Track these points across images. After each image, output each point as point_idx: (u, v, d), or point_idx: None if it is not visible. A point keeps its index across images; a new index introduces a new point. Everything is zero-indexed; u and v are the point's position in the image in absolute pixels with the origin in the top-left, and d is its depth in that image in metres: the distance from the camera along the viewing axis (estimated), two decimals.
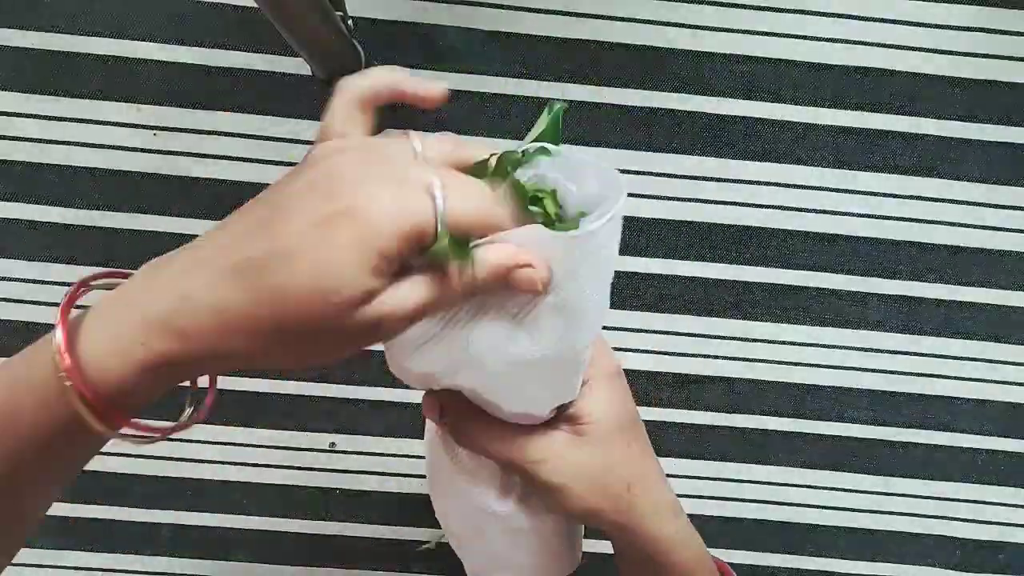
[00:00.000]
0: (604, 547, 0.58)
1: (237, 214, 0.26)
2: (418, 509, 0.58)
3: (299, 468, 0.58)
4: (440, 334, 0.29)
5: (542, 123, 0.31)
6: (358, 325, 0.25)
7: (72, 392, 0.25)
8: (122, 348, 0.25)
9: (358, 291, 0.24)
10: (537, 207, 0.29)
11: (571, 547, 0.42)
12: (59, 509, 0.57)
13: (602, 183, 0.29)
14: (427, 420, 0.38)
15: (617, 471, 0.36)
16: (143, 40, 0.54)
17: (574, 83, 0.55)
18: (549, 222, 0.28)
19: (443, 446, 0.38)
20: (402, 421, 0.58)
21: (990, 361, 0.58)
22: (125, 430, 0.27)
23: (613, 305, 0.57)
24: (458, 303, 0.27)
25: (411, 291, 0.26)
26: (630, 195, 0.57)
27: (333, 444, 0.58)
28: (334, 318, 0.24)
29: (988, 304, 0.57)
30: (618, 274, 0.56)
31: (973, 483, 0.59)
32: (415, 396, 0.57)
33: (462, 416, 0.35)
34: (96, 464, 0.57)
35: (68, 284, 0.59)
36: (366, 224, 0.24)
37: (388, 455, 0.58)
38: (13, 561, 0.59)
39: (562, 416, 0.35)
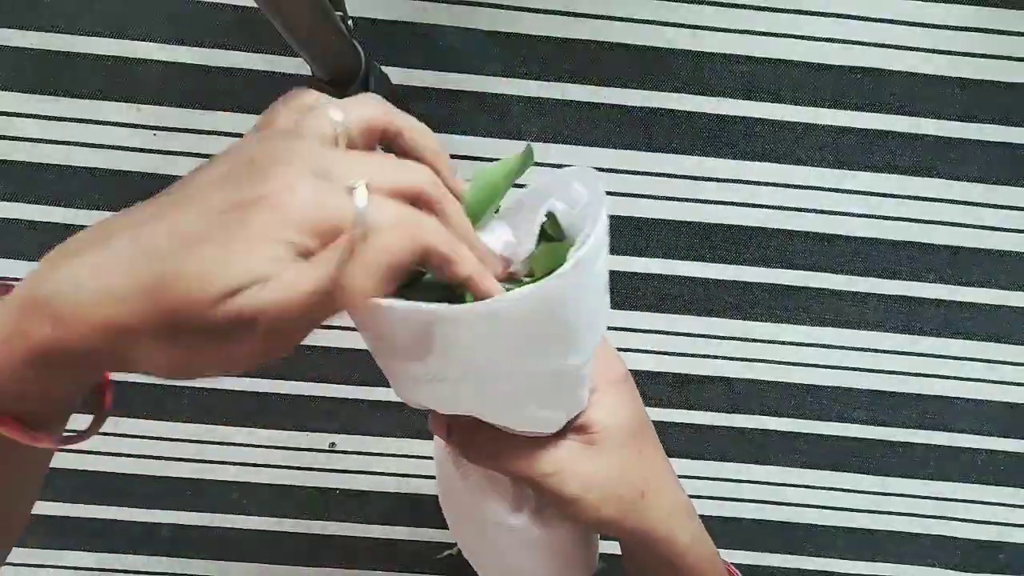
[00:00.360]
0: (607, 547, 0.58)
1: (151, 199, 0.24)
2: (417, 509, 0.58)
3: (299, 468, 0.58)
4: (427, 382, 0.28)
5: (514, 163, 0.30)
6: (224, 319, 0.22)
7: None
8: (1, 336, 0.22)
9: (245, 279, 0.22)
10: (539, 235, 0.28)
11: (587, 552, 0.42)
12: (59, 509, 0.57)
13: (586, 185, 0.28)
14: (435, 436, 0.38)
15: (629, 478, 0.35)
16: (143, 40, 0.54)
17: (574, 83, 0.55)
18: (552, 245, 0.28)
19: (453, 462, 0.38)
20: (402, 421, 0.58)
21: (989, 361, 0.58)
22: (11, 432, 0.24)
23: (613, 305, 0.57)
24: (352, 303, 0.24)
25: (298, 276, 0.22)
26: (631, 195, 0.57)
27: (333, 444, 0.58)
28: (200, 310, 0.22)
29: (988, 304, 0.57)
30: (618, 274, 0.56)
31: (972, 483, 0.59)
32: None
33: (470, 432, 0.34)
34: (96, 464, 0.57)
35: None
36: (281, 213, 0.22)
37: (388, 455, 0.58)
38: (13, 561, 0.59)
39: (572, 426, 0.34)
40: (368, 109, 0.27)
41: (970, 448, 0.59)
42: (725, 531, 0.59)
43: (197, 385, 0.57)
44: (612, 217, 0.56)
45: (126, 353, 0.23)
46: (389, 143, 0.28)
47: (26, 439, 0.24)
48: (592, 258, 0.26)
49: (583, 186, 0.29)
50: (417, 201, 0.25)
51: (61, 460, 0.57)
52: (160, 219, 0.23)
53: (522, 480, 0.34)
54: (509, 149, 0.55)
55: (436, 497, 0.44)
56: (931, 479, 0.59)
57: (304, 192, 0.22)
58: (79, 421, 0.27)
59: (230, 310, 0.22)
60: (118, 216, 0.24)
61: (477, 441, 0.34)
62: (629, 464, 0.35)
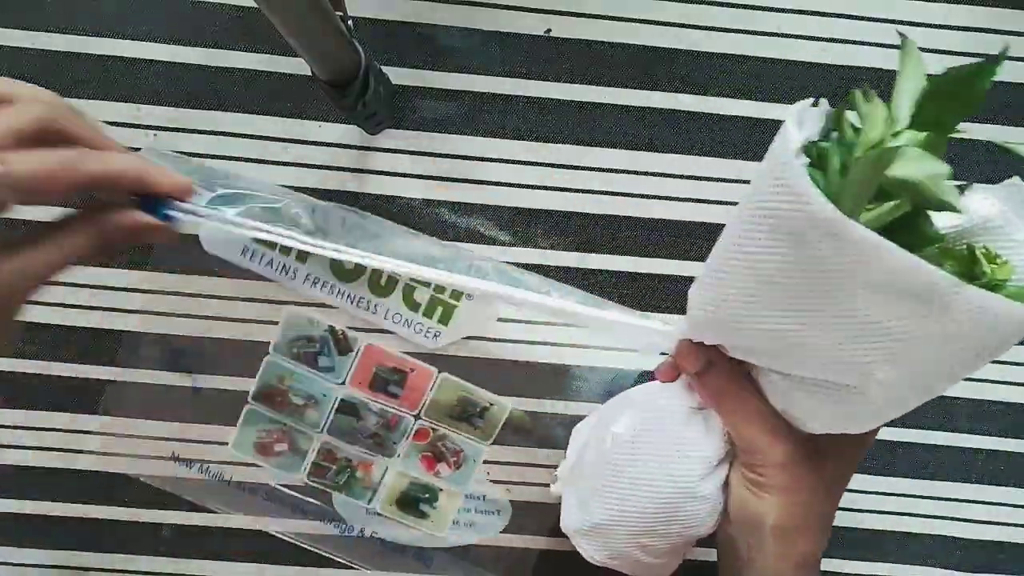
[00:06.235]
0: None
1: None
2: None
3: None
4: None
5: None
6: None
7: None
8: None
9: None
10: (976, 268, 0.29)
11: (681, 554, 0.44)
12: (59, 509, 0.57)
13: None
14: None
15: (825, 523, 0.38)
16: (143, 40, 0.54)
17: (574, 83, 0.55)
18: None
19: (683, 394, 0.40)
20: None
21: (990, 361, 0.58)
22: None
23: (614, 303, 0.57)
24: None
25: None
26: (631, 195, 0.57)
27: None
28: None
29: None
30: (618, 274, 0.56)
31: (973, 483, 0.59)
32: None
33: (727, 379, 0.36)
34: (96, 464, 0.57)
35: (68, 284, 0.59)
36: None
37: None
38: (12, 561, 0.59)
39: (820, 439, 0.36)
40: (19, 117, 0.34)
41: (970, 448, 0.59)
42: None
43: (195, 385, 0.57)
44: (612, 217, 0.56)
45: None
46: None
47: None
48: None
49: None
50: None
51: (60, 460, 0.57)
52: None
53: (744, 450, 0.37)
54: (509, 149, 0.55)
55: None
56: (931, 479, 0.59)
57: None
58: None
59: None
60: None
61: (730, 391, 0.36)
62: (831, 508, 0.39)
